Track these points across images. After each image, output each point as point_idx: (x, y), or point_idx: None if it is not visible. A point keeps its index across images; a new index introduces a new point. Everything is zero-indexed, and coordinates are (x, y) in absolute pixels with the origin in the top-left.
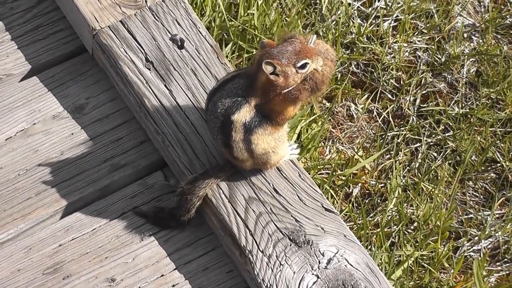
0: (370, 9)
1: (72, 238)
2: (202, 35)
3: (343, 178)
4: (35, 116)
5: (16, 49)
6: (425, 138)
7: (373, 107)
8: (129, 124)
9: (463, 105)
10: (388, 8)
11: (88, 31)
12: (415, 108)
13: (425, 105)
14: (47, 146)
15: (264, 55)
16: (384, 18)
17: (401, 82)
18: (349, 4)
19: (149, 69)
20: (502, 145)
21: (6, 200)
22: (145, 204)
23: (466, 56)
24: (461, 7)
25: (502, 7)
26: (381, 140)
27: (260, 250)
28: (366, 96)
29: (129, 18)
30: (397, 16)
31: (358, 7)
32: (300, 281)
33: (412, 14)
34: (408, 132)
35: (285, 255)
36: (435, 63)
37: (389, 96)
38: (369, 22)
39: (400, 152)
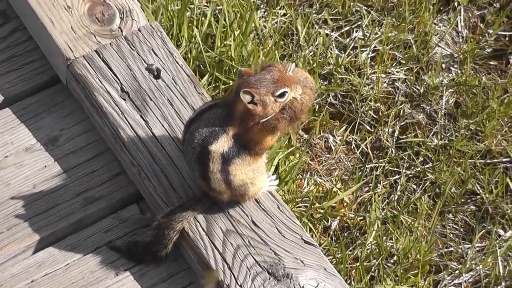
0: (348, 39)
1: (45, 274)
2: (179, 65)
3: (322, 211)
4: (7, 149)
5: None
6: (404, 170)
7: (351, 139)
8: (104, 156)
9: (442, 136)
10: (366, 38)
11: (62, 61)
12: (394, 140)
13: (404, 137)
14: (20, 179)
15: (242, 84)
16: (362, 49)
17: (380, 113)
18: (327, 34)
19: (124, 100)
20: (481, 177)
21: None
22: (119, 238)
23: (445, 87)
24: (439, 38)
25: (480, 37)
26: (360, 172)
27: (238, 284)
28: (344, 127)
29: (104, 47)
30: (375, 46)
31: (336, 37)
32: None
33: (391, 45)
34: (387, 164)
35: None
36: (414, 94)
37: (368, 127)
38: (347, 53)
39: (379, 185)
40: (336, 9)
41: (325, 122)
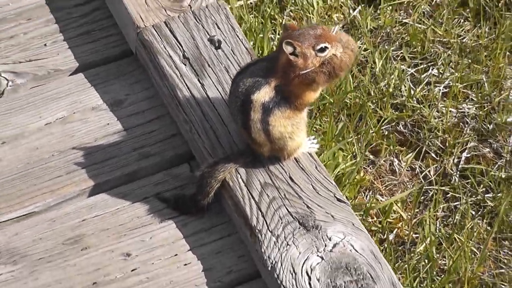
0: (423, 75)
1: (95, 215)
2: (239, 39)
3: (379, 225)
4: (75, 107)
5: (67, 49)
6: (464, 197)
7: (416, 165)
8: (163, 119)
9: (506, 170)
10: (440, 75)
11: (133, 29)
12: (458, 169)
13: (468, 166)
14: (83, 133)
15: (286, 37)
16: (435, 84)
17: (446, 144)
18: (403, 70)
19: (185, 65)
20: None
21: (38, 176)
22: (168, 191)
23: None
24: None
25: None
26: (421, 196)
27: (269, 230)
28: (410, 154)
29: (172, 19)
30: (448, 83)
31: (412, 73)
32: (305, 260)
33: (464, 84)
34: (448, 189)
35: (293, 237)
36: (482, 129)
37: (433, 155)
38: (420, 87)
39: (438, 208)
40: (415, 49)
41: (392, 147)
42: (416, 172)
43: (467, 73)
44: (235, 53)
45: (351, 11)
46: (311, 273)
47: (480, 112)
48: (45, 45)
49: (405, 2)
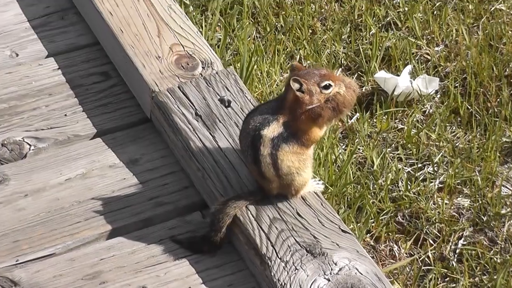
0: (419, 173)
1: (113, 255)
2: (248, 99)
3: None
4: (94, 165)
5: (86, 118)
6: (462, 279)
7: (414, 252)
8: (177, 174)
9: (502, 255)
10: (435, 173)
11: (148, 94)
12: (455, 254)
13: (465, 247)
14: (101, 186)
15: (293, 75)
16: (431, 180)
17: (443, 232)
18: (399, 169)
19: (197, 121)
20: None
21: (58, 222)
22: (181, 235)
23: (507, 218)
24: (503, 179)
25: None
26: (421, 276)
27: (278, 257)
28: (409, 241)
29: (185, 84)
30: (443, 180)
31: (409, 171)
32: (313, 282)
33: (458, 180)
34: (445, 271)
35: (301, 262)
36: (477, 220)
37: (431, 241)
38: (416, 183)
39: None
40: (411, 151)
41: (391, 234)
42: (414, 257)
43: (460, 170)
44: (244, 110)
45: (348, 119)
46: None
47: (475, 204)
48: (65, 115)
49: (400, 111)
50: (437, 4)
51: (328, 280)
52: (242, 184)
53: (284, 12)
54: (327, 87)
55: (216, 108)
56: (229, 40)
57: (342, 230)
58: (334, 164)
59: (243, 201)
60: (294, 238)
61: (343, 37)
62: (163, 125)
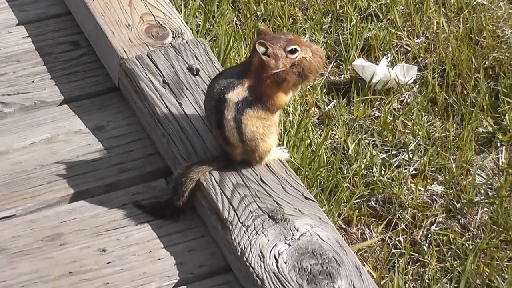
0: (394, 160)
1: (74, 218)
2: (217, 68)
3: None
4: (60, 130)
5: (53, 85)
6: (434, 263)
7: (386, 236)
8: (142, 141)
9: (474, 241)
10: (410, 160)
11: (116, 61)
12: (428, 240)
13: (437, 231)
14: (66, 151)
15: (259, 39)
16: (405, 167)
17: (416, 218)
18: (374, 155)
19: (164, 88)
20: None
21: (20, 185)
22: (145, 200)
23: (480, 206)
24: (478, 168)
25: None
26: (390, 259)
27: (240, 222)
28: (381, 225)
29: (154, 51)
30: (417, 167)
31: (384, 157)
32: (273, 247)
33: (433, 168)
34: (416, 255)
35: (262, 227)
36: (450, 207)
37: (403, 226)
38: (391, 170)
39: (407, 271)
40: (387, 138)
41: (363, 218)
42: (386, 242)
43: (435, 158)
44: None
45: (325, 106)
46: (278, 256)
47: (449, 191)
48: (33, 81)
49: (378, 99)
50: None
51: (289, 245)
52: (206, 150)
53: (265, 1)
54: (293, 51)
55: (184, 76)
56: (209, 26)
57: (305, 197)
58: (309, 148)
59: (206, 166)
60: (257, 204)
61: (324, 26)
62: (130, 92)
